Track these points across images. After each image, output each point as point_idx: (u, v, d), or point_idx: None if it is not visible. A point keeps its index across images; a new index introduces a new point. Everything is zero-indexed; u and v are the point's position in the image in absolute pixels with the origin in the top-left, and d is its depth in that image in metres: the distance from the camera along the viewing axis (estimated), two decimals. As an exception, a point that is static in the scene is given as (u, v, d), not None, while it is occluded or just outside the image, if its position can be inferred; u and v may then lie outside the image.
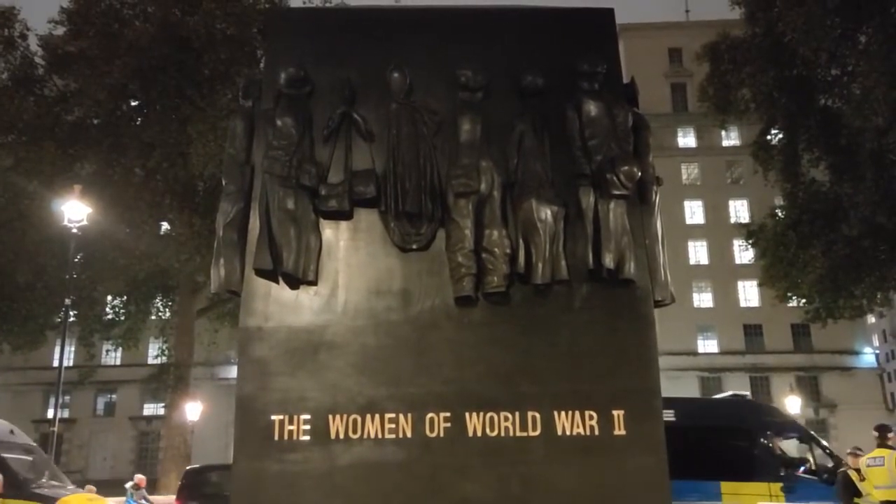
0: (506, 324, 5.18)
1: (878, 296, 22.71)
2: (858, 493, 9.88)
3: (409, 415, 4.96)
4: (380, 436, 4.93)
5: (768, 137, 23.23)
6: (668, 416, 11.78)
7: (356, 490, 4.82)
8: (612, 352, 5.15)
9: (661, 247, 5.54)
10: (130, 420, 43.65)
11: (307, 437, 4.92)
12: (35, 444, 13.19)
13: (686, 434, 10.56)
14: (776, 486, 11.10)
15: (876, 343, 65.72)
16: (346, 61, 5.69)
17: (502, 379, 5.07)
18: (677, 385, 36.95)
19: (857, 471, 9.96)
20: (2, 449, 11.49)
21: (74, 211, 18.73)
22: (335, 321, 5.19)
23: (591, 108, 5.47)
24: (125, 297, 26.08)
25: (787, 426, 12.83)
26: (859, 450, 10.04)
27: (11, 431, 12.50)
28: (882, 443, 9.63)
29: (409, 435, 4.93)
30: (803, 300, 23.66)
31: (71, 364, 29.99)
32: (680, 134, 52.40)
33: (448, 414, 4.97)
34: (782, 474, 11.29)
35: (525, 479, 4.86)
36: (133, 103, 23.48)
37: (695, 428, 10.93)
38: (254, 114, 5.70)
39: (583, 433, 4.96)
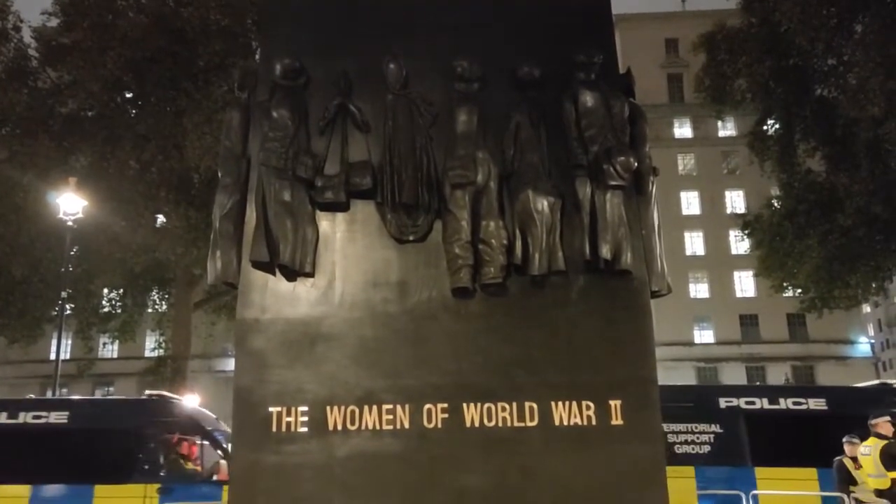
0: (503, 315, 5.18)
1: (874, 285, 22.82)
2: (854, 481, 9.94)
3: (407, 406, 4.96)
4: (378, 427, 4.94)
5: (764, 128, 23.27)
6: (820, 404, 11.57)
7: (354, 481, 4.84)
8: (608, 342, 5.15)
9: (657, 237, 5.53)
10: (128, 413, 43.61)
11: (305, 429, 4.92)
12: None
13: (838, 423, 10.53)
14: None
15: (871, 332, 66.13)
16: (342, 52, 5.67)
17: (499, 370, 5.07)
18: (674, 375, 37.11)
19: (854, 459, 10.01)
20: (218, 437, 11.17)
21: (70, 204, 18.75)
22: (332, 313, 5.19)
23: (588, 98, 5.43)
24: (122, 290, 26.05)
25: None
26: (855, 438, 10.07)
27: (217, 419, 12.31)
28: (874, 431, 9.71)
29: (406, 426, 4.94)
30: (799, 290, 23.75)
31: (68, 357, 29.98)
32: (676, 124, 52.49)
33: (445, 405, 4.97)
34: None
35: (522, 468, 4.88)
36: (127, 95, 23.32)
37: (847, 417, 10.80)
38: (249, 105, 5.66)
39: (580, 423, 4.96)
